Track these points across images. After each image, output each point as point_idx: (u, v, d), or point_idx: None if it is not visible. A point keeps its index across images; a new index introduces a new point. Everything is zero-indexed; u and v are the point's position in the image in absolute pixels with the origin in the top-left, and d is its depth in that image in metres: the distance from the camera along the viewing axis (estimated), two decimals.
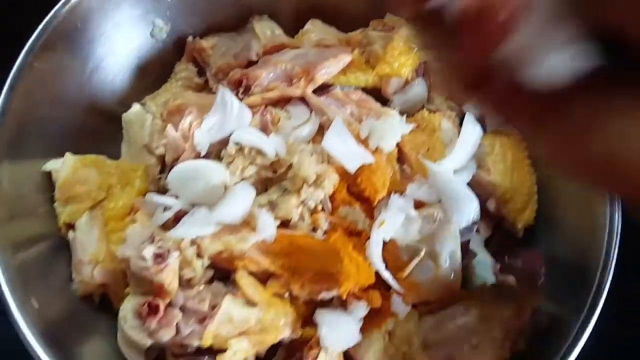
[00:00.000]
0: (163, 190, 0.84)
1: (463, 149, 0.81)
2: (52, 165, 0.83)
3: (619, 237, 0.74)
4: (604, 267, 0.73)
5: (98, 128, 0.92)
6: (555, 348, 0.69)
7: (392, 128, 0.79)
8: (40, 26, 0.80)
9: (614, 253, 0.74)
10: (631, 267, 0.77)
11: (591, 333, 0.68)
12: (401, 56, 0.85)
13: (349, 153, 0.75)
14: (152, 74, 0.97)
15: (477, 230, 0.84)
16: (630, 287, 0.80)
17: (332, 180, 0.76)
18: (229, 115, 0.79)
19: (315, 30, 0.96)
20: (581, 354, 0.68)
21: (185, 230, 0.72)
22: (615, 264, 0.73)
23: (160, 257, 0.69)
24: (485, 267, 0.82)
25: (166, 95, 0.93)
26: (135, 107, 0.90)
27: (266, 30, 0.95)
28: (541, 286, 0.80)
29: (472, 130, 0.82)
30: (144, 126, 0.88)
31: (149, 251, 0.69)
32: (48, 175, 0.83)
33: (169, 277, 0.69)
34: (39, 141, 0.84)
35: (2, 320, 0.68)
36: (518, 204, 0.82)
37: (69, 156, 0.82)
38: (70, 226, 0.82)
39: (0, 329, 0.69)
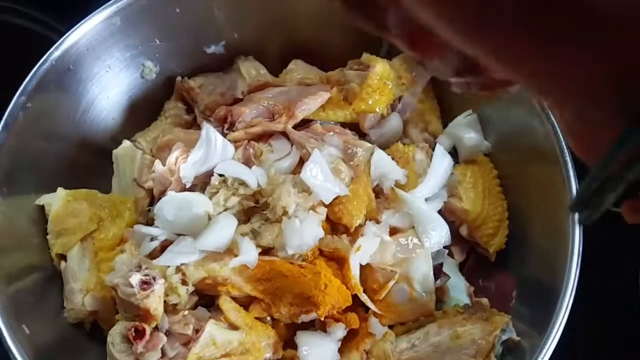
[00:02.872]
0: (152, 222, 0.88)
1: (434, 178, 0.85)
2: (45, 199, 0.87)
3: (580, 257, 0.78)
4: (567, 286, 0.77)
5: (90, 163, 0.96)
6: None
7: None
8: (34, 68, 0.86)
9: (576, 272, 0.77)
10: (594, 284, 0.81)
11: (557, 346, 0.72)
12: (375, 93, 0.90)
13: (325, 185, 0.80)
14: (142, 112, 1.02)
15: (451, 255, 0.88)
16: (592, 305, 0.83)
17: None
18: (213, 150, 0.84)
19: (298, 69, 1.01)
20: None
21: (170, 258, 0.76)
22: (578, 284, 0.77)
23: (146, 284, 0.73)
24: (459, 289, 0.86)
25: (156, 132, 0.98)
26: (126, 144, 0.94)
27: (251, 70, 1.01)
28: (512, 307, 0.84)
29: (442, 161, 0.87)
30: (133, 161, 0.93)
31: (135, 278, 0.73)
32: (41, 208, 0.87)
33: (154, 302, 0.73)
34: (32, 176, 0.88)
35: None
36: (489, 229, 0.86)
37: (61, 191, 0.87)
38: (63, 257, 0.86)
39: None
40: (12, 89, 0.86)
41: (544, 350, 0.71)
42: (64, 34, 1.33)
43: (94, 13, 0.90)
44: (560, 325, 0.73)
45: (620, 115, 0.31)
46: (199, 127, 1.00)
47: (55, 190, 0.88)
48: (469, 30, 0.31)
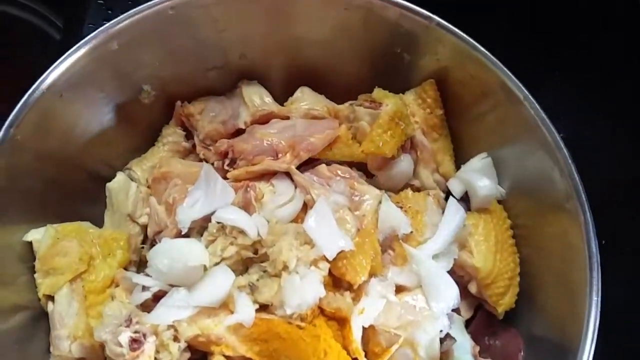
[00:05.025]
0: (145, 260, 0.83)
1: (445, 234, 0.81)
2: (33, 235, 0.82)
3: (598, 320, 0.75)
4: (584, 351, 0.73)
5: (84, 190, 0.91)
6: None
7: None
8: (23, 99, 0.80)
9: (593, 337, 0.74)
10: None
11: None
12: (386, 135, 0.85)
13: (329, 238, 0.75)
14: (139, 137, 0.97)
15: (458, 312, 0.84)
16: None
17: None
18: (212, 193, 0.80)
19: (305, 98, 0.96)
20: None
21: (163, 315, 0.72)
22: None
23: (136, 343, 0.69)
24: (464, 349, 0.82)
25: (153, 160, 0.93)
26: (120, 177, 0.89)
27: (255, 96, 0.95)
28: None
29: (454, 215, 0.82)
30: (127, 195, 0.88)
31: (124, 337, 0.69)
32: (29, 244, 0.83)
33: None
34: (23, 206, 0.84)
35: None
36: (500, 288, 0.82)
37: (49, 227, 0.82)
38: (50, 297, 0.82)
39: None
40: (8, 84, 0.81)
41: None
42: (61, 28, 1.28)
43: (88, 37, 0.83)
44: None
45: None
46: (197, 156, 0.95)
47: (46, 219, 0.84)
48: None
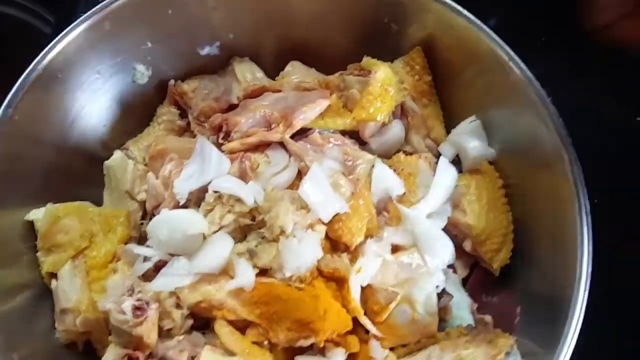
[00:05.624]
0: (146, 236, 0.85)
1: (437, 193, 0.82)
2: (34, 214, 0.84)
3: (590, 272, 0.76)
4: (576, 302, 0.74)
5: (82, 172, 0.93)
6: None
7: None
8: (20, 79, 0.82)
9: (585, 287, 0.75)
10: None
11: None
12: (377, 101, 0.86)
13: (324, 202, 0.77)
14: (134, 118, 0.98)
15: (454, 270, 0.85)
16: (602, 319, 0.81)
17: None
18: (208, 164, 0.81)
19: (295, 72, 0.97)
20: None
21: (164, 283, 0.73)
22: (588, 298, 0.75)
23: (139, 310, 0.71)
24: (462, 306, 0.83)
25: (148, 139, 0.95)
26: (117, 155, 0.91)
27: (247, 73, 0.97)
28: (517, 324, 0.82)
29: (446, 175, 0.84)
30: (125, 172, 0.90)
31: (128, 304, 0.71)
32: (31, 224, 0.84)
33: (148, 329, 0.70)
34: (22, 188, 0.85)
35: None
36: (494, 244, 0.84)
37: (50, 206, 0.83)
38: (53, 275, 0.83)
39: None
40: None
41: None
42: (53, 24, 1.29)
43: (82, 17, 0.85)
44: (569, 348, 0.70)
45: None
46: (192, 133, 0.97)
47: (45, 202, 0.85)
48: None
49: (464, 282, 0.88)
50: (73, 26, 0.85)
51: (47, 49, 0.85)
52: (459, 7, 0.87)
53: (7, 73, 0.84)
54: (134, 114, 0.98)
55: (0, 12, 1.27)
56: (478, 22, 0.87)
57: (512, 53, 0.85)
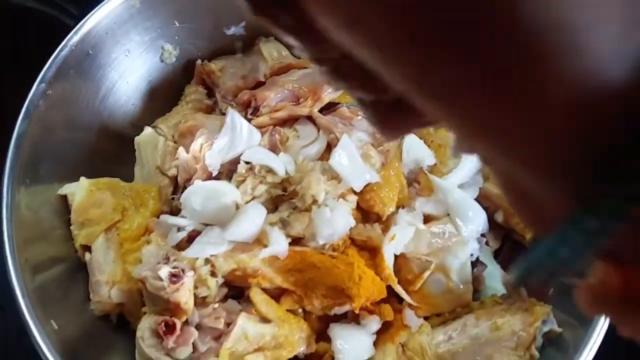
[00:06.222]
0: (176, 210, 0.86)
1: (468, 163, 0.82)
2: (67, 189, 0.85)
3: None
4: None
5: (112, 151, 0.94)
6: (569, 355, 0.70)
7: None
8: (54, 55, 0.83)
9: None
10: None
11: (605, 338, 0.69)
12: None
13: (355, 171, 0.77)
14: (162, 97, 0.99)
15: (487, 242, 0.85)
16: None
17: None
18: (239, 136, 0.81)
19: None
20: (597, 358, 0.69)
21: (199, 250, 0.74)
22: None
23: (175, 277, 0.71)
24: (495, 278, 0.83)
25: (177, 118, 0.95)
26: (147, 130, 0.92)
27: (273, 51, 0.97)
28: (551, 295, 0.81)
29: None
30: (156, 148, 0.90)
31: (164, 271, 0.71)
32: (64, 198, 0.85)
33: (185, 296, 0.71)
34: (54, 165, 0.86)
35: (26, 341, 0.70)
36: None
37: (83, 180, 0.84)
38: (87, 248, 0.84)
39: (22, 350, 0.70)
40: (25, 74, 0.84)
41: (590, 344, 0.68)
42: (78, 17, 1.31)
43: None
44: (606, 318, 0.70)
45: (571, 189, 0.23)
46: (220, 112, 0.97)
47: (77, 179, 0.86)
48: (384, 43, 0.22)
49: (496, 254, 0.87)
50: (103, 4, 0.87)
51: (78, 26, 0.86)
52: None
53: (30, 66, 0.85)
54: (162, 93, 0.98)
55: (23, 6, 1.29)
56: None
57: None
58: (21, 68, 0.86)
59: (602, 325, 0.71)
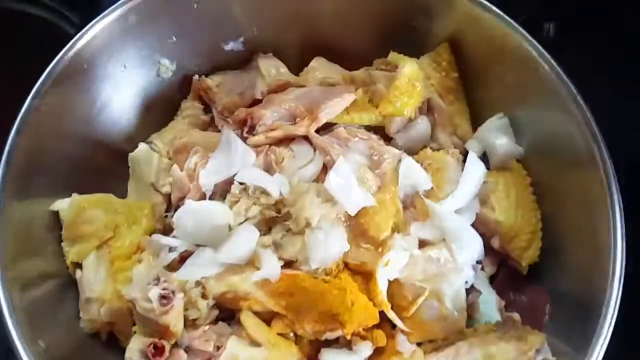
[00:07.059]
0: (169, 228, 0.85)
1: (465, 188, 0.81)
2: (59, 205, 0.84)
3: (623, 271, 0.75)
4: (609, 302, 0.73)
5: (105, 165, 0.93)
6: None
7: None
8: (48, 69, 0.82)
9: (619, 287, 0.74)
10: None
11: None
12: (404, 96, 0.86)
13: (351, 195, 0.76)
14: (158, 112, 0.98)
15: (482, 268, 0.84)
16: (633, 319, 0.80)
17: None
18: (234, 156, 0.81)
19: (319, 68, 0.97)
20: None
21: (190, 272, 0.73)
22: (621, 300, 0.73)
23: (165, 299, 0.70)
24: (490, 304, 0.82)
25: (172, 133, 0.95)
26: (142, 147, 0.91)
27: (271, 68, 0.97)
28: (546, 323, 0.80)
29: (474, 170, 0.83)
30: (150, 165, 0.89)
31: (154, 293, 0.70)
32: (56, 214, 0.84)
33: (174, 318, 0.70)
34: (47, 179, 0.85)
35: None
36: (522, 242, 0.82)
37: (75, 197, 0.83)
38: (78, 265, 0.83)
39: None
40: (24, 82, 0.83)
41: None
42: (78, 25, 1.30)
43: (108, 10, 0.86)
44: (601, 348, 0.69)
45: None
46: (216, 128, 0.97)
47: (70, 194, 0.85)
48: None
49: (491, 280, 0.86)
50: (99, 18, 0.86)
51: (73, 40, 0.85)
52: (486, 2, 0.87)
53: (30, 72, 0.84)
54: (158, 108, 0.98)
55: (24, 12, 1.29)
56: (506, 17, 0.86)
57: (541, 49, 0.84)
58: (17, 74, 0.85)
59: (597, 354, 0.70)
